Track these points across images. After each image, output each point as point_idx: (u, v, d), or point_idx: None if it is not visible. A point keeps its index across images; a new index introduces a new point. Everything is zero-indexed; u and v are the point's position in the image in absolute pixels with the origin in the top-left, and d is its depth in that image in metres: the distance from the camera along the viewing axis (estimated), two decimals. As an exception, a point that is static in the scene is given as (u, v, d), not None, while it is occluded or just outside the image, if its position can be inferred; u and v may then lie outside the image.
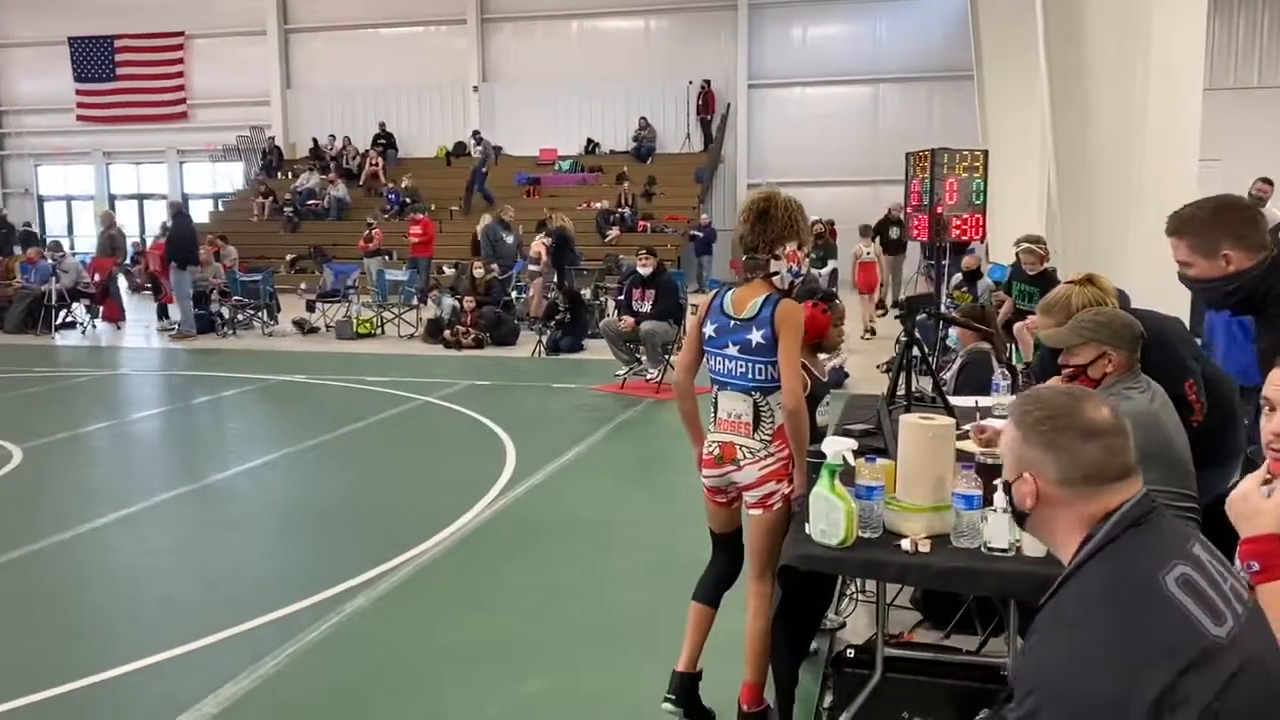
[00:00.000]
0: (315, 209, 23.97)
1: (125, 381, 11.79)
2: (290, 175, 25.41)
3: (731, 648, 3.47)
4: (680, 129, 24.63)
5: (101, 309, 16.08)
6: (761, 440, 3.31)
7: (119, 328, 15.89)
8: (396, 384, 10.53)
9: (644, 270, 10.53)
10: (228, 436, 9.02)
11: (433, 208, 21.75)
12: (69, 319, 15.77)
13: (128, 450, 8.39)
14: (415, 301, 15.66)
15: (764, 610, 3.29)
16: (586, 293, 14.09)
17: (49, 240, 20.48)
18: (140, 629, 4.53)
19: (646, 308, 10.36)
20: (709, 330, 3.40)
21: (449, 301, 14.29)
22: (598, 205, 22.20)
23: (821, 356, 4.27)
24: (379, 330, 14.82)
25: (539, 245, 14.97)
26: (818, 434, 3.65)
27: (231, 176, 27.21)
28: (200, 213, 23.38)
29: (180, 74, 27.10)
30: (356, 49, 26.18)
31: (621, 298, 11.19)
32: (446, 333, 13.45)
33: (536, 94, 25.07)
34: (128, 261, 21.25)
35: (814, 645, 3.81)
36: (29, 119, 28.53)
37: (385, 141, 25.57)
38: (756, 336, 3.28)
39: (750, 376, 3.31)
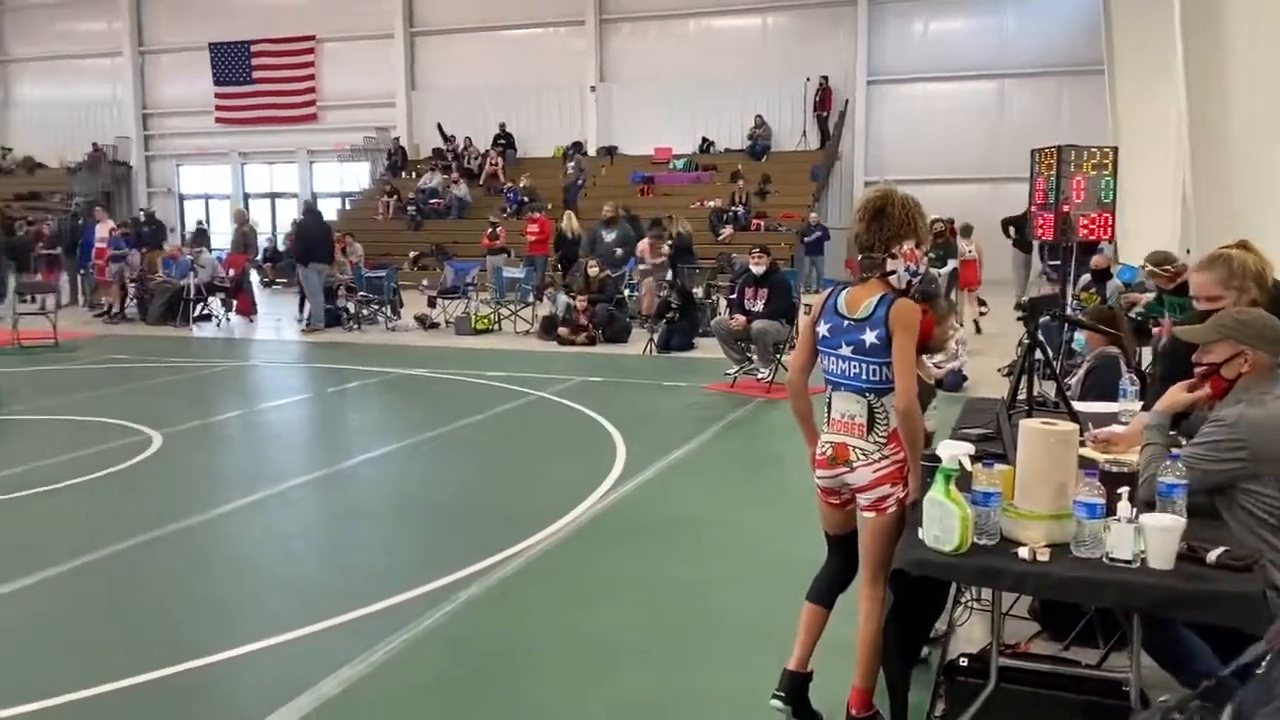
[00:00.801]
0: (437, 208, 24.59)
1: (256, 372, 12.31)
2: (414, 175, 26.13)
3: (842, 652, 3.42)
4: (796, 126, 24.40)
5: (235, 303, 16.81)
6: (875, 442, 3.25)
7: (251, 321, 16.58)
8: (511, 379, 10.72)
9: (757, 269, 10.46)
10: (351, 427, 9.34)
11: (549, 207, 22.06)
12: (205, 312, 16.53)
13: (257, 438, 8.76)
14: (531, 298, 15.91)
15: (875, 614, 3.24)
16: (698, 291, 14.09)
17: (187, 237, 21.55)
18: (265, 610, 4.73)
19: (759, 306, 10.29)
20: (822, 330, 3.36)
21: (563, 299, 14.47)
22: (711, 204, 22.16)
23: (935, 358, 4.19)
24: (496, 326, 15.11)
25: (646, 243, 15.02)
26: (924, 438, 3.57)
27: (358, 176, 28.13)
28: (328, 211, 24.19)
29: (311, 77, 28.14)
30: (478, 51, 26.75)
31: (733, 296, 11.14)
32: (560, 329, 13.63)
33: (652, 93, 25.19)
34: (259, 257, 22.17)
35: (925, 651, 3.73)
36: (172, 121, 30.05)
37: (505, 141, 26.07)
38: (870, 337, 3.22)
39: (864, 377, 3.25)
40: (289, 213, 26.34)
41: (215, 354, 13.32)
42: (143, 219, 23.94)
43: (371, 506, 6.56)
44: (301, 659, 4.12)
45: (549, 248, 18.09)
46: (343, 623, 4.43)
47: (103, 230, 17.97)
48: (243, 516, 6.18)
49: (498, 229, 18.08)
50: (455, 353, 13.04)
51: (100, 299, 17.60)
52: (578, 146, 25.87)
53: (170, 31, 29.25)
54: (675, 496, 6.54)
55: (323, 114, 28.30)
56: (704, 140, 25.04)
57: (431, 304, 15.82)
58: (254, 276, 18.99)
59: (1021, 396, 3.98)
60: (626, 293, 15.03)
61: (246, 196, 29.39)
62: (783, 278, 10.85)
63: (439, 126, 26.62)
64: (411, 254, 22.39)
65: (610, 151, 25.62)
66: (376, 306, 15.86)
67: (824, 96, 23.95)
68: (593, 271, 14.20)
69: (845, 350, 3.27)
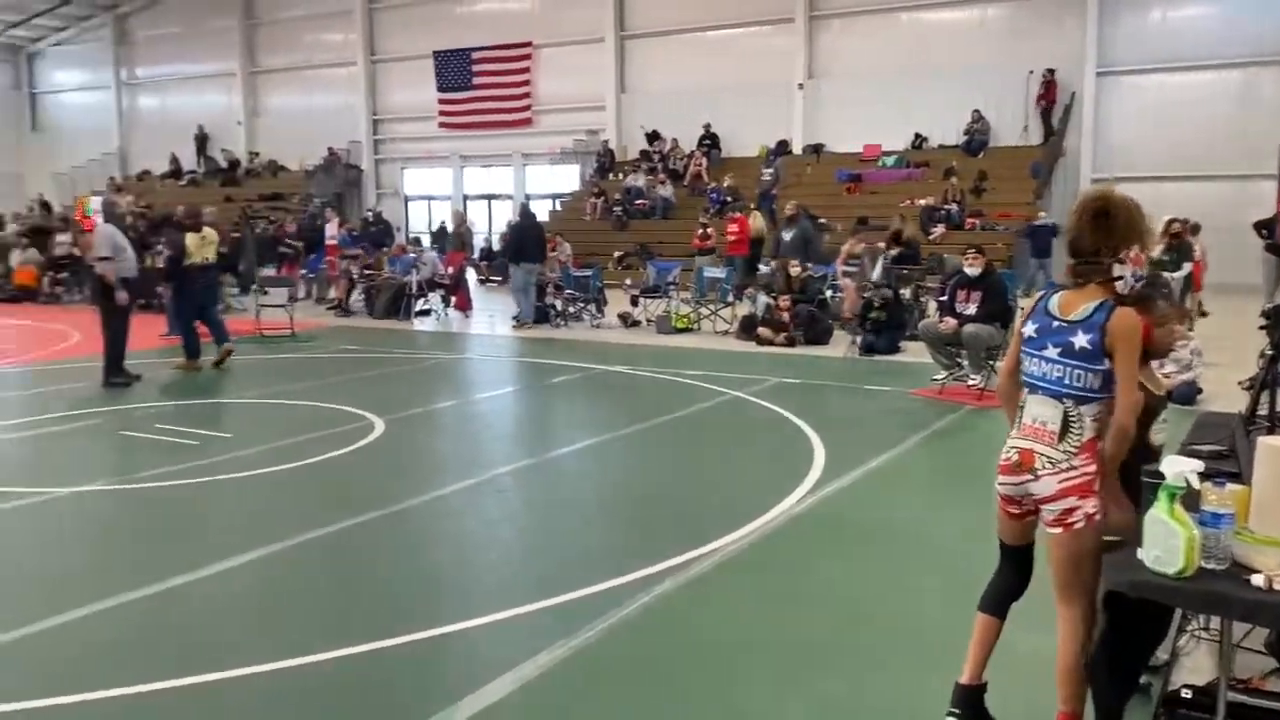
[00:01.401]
0: (642, 208, 25.01)
1: (470, 365, 12.91)
2: (620, 176, 26.68)
3: (1033, 666, 3.25)
4: (1017, 121, 23.28)
5: (453, 299, 17.69)
6: (1065, 451, 3.08)
7: (467, 316, 17.40)
8: (709, 378, 10.77)
9: (972, 270, 10.04)
10: (556, 419, 9.65)
11: (752, 206, 22.00)
12: (426, 307, 17.48)
13: (470, 427, 9.19)
14: (731, 298, 15.94)
15: (1074, 636, 3.08)
16: (906, 293, 13.69)
17: (410, 236, 22.82)
18: (473, 591, 4.96)
19: (971, 309, 9.88)
20: (1029, 330, 3.23)
21: (763, 299, 14.42)
22: (922, 202, 21.47)
23: (1166, 367, 3.92)
24: (696, 326, 15.23)
25: (852, 244, 14.72)
26: (1151, 453, 3.34)
27: (569, 178, 28.99)
28: (540, 212, 25.08)
29: (527, 82, 29.22)
30: (685, 52, 27.00)
31: (944, 298, 10.75)
32: (760, 330, 13.58)
33: (862, 89, 24.65)
34: (476, 256, 23.22)
35: (1144, 679, 3.50)
36: (400, 127, 31.92)
37: (709, 142, 26.21)
38: (1082, 340, 3.06)
39: (1066, 382, 3.09)
40: (504, 213, 27.49)
41: (433, 347, 14.06)
42: (371, 219, 25.53)
43: (574, 496, 6.76)
44: (505, 640, 4.30)
45: (748, 248, 18.08)
46: (544, 607, 4.58)
47: (333, 229, 19.33)
48: (455, 500, 6.50)
49: (708, 229, 18.21)
50: (655, 351, 13.23)
51: (330, 293, 18.93)
52: (782, 145, 25.68)
53: (399, 42, 31.07)
54: (874, 504, 6.40)
55: (537, 118, 29.32)
56: (916, 136, 24.32)
57: (634, 302, 16.11)
58: (470, 274, 19.90)
59: (1263, 411, 3.66)
60: (829, 294, 14.81)
61: (465, 198, 30.85)
62: (998, 279, 10.37)
63: (646, 130, 27.04)
64: (616, 254, 22.87)
65: (816, 149, 25.29)
66: (582, 304, 16.31)
67: (1048, 89, 22.74)
68: (794, 271, 14.07)
69: (1051, 352, 3.13)
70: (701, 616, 4.55)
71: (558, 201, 28.58)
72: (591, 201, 25.83)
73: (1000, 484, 3.27)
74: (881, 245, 14.76)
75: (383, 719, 3.62)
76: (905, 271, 14.21)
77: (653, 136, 26.93)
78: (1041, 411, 3.14)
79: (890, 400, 9.73)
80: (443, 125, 30.49)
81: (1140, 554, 2.64)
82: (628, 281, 17.53)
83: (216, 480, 6.94)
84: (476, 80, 29.67)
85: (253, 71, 33.74)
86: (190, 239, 11.61)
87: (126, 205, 25.65)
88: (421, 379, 11.59)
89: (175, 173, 33.60)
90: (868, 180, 23.51)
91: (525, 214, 16.99)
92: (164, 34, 35.07)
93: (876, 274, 14.10)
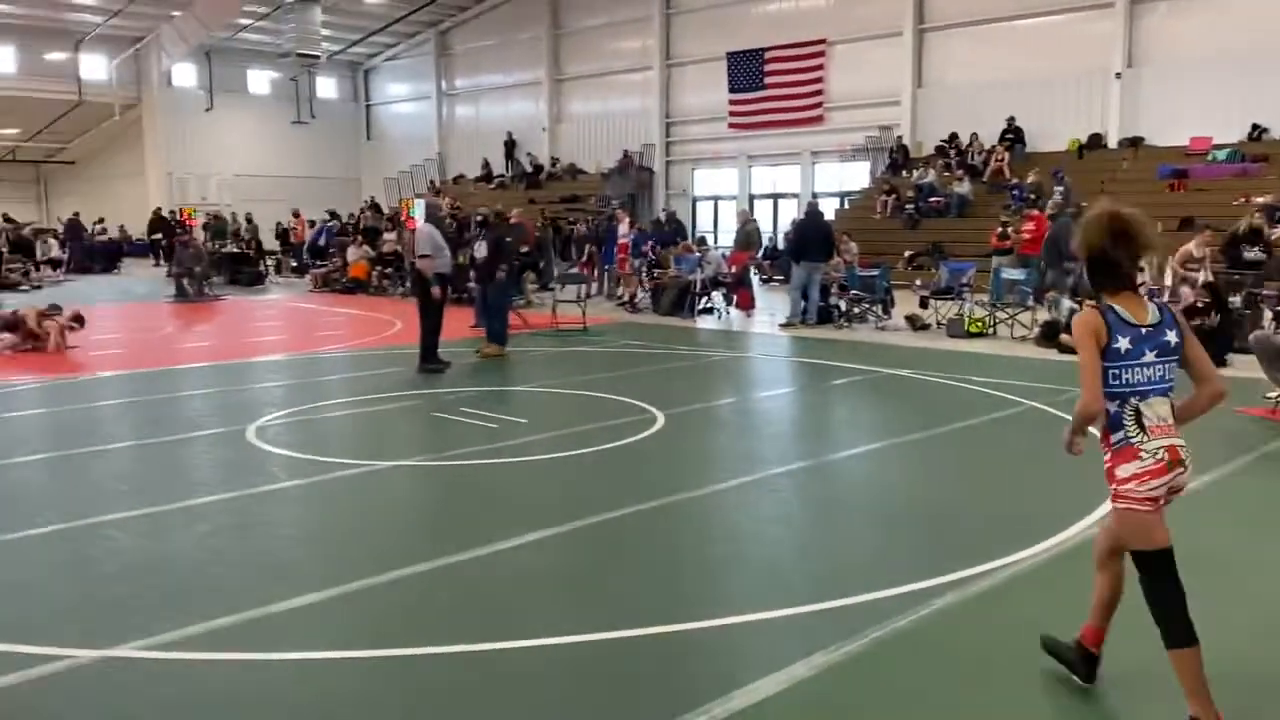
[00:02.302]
0: (936, 206, 24.12)
1: (750, 363, 12.97)
2: (909, 173, 25.87)
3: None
4: (1382, 108, 20.41)
5: (736, 297, 17.86)
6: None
7: (749, 315, 17.51)
8: (1002, 386, 10.21)
9: (1314, 276, 8.91)
10: (835, 422, 9.50)
11: (1083, 205, 20.61)
12: (709, 305, 17.76)
13: (748, 424, 9.24)
14: (1030, 302, 15.02)
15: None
16: (1236, 300, 12.33)
17: (696, 236, 23.28)
18: (747, 587, 4.98)
19: (1313, 320, 8.77)
20: (1123, 344, 3.42)
21: (1067, 303, 13.48)
22: (1260, 199, 19.25)
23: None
24: (990, 330, 14.49)
25: (1190, 247, 13.42)
26: None
27: (858, 175, 28.46)
28: (827, 211, 24.79)
29: (820, 80, 28.95)
30: (989, 44, 25.75)
31: (1281, 307, 9.60)
32: (1063, 336, 12.70)
33: (1190, 76, 22.46)
34: (760, 255, 23.33)
35: None
36: (690, 128, 32.62)
37: (1013, 136, 24.84)
38: (1173, 338, 3.43)
39: (1169, 378, 3.45)
40: (790, 212, 27.40)
41: (714, 344, 14.26)
42: (663, 219, 26.26)
43: (851, 501, 6.63)
44: (777, 638, 4.29)
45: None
46: (818, 610, 4.52)
47: (624, 229, 20.05)
48: (732, 496, 6.56)
49: (1008, 228, 17.30)
50: (944, 355, 12.71)
51: (620, 290, 19.66)
52: (1096, 139, 23.92)
53: (693, 44, 31.74)
54: (1187, 530, 5.76)
55: (828, 115, 28.99)
56: (1254, 127, 21.85)
57: (924, 304, 15.57)
58: (753, 273, 20.01)
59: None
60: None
61: (751, 197, 31.05)
62: (1348, 287, 9.13)
63: (943, 138, 26.09)
64: (906, 253, 22.21)
65: (1134, 143, 23.34)
66: (868, 305, 15.95)
67: None
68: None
69: (1150, 357, 3.43)
70: (982, 636, 4.32)
71: (846, 200, 28.14)
72: (882, 199, 25.23)
73: (1152, 488, 3.46)
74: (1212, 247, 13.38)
75: (654, 704, 3.71)
76: (1237, 277, 12.80)
77: (952, 138, 25.84)
78: (1162, 410, 3.46)
79: (1212, 418, 8.73)
80: (732, 126, 30.83)
81: None
82: (917, 282, 16.98)
83: (512, 462, 7.40)
84: (768, 80, 29.75)
85: (557, 79, 35.65)
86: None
87: (445, 207, 27.96)
88: (701, 375, 11.78)
89: (486, 176, 36.16)
90: (1194, 176, 21.41)
91: (811, 212, 16.84)
92: (479, 46, 37.82)
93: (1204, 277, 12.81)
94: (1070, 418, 3.61)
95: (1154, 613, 3.48)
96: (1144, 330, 3.39)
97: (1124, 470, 3.48)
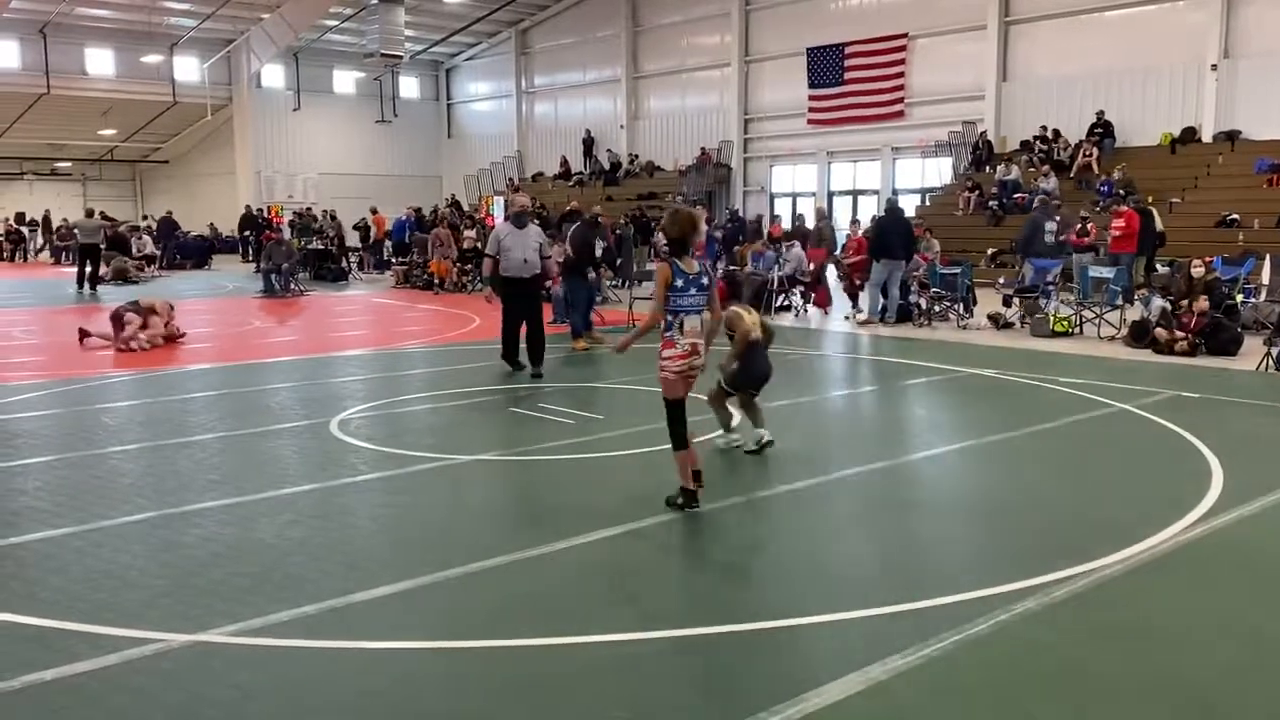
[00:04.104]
0: (1021, 202, 23.58)
1: (827, 362, 12.84)
2: (992, 170, 25.32)
3: None
4: None
5: (813, 295, 17.68)
6: None
7: (826, 313, 17.33)
8: (1089, 387, 9.94)
9: None
10: (914, 422, 9.35)
11: (1149, 200, 20.02)
12: (786, 303, 17.61)
13: (825, 423, 9.16)
14: (1119, 301, 14.60)
15: None
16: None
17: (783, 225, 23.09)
18: (824, 587, 4.94)
19: None
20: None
21: (1158, 302, 13.07)
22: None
23: None
24: (1076, 329, 14.12)
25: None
26: None
27: (940, 171, 27.97)
28: (908, 207, 24.38)
29: (901, 74, 28.51)
30: (1077, 35, 25.09)
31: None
32: (1158, 331, 12.33)
33: (1291, 67, 21.61)
34: (838, 252, 23.04)
35: None
36: (768, 125, 32.39)
37: (1102, 130, 24.16)
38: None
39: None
40: (869, 210, 27.04)
41: (792, 342, 14.13)
42: (729, 217, 26.09)
43: (931, 502, 6.52)
44: (852, 640, 4.24)
45: (1135, 244, 16.45)
46: (894, 612, 4.46)
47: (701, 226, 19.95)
48: (809, 495, 6.51)
49: (1088, 224, 16.84)
50: (1028, 355, 12.43)
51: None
52: (1189, 133, 23.15)
53: (773, 40, 31.51)
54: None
55: (909, 110, 28.55)
56: (1359, 120, 20.95)
57: (1007, 303, 15.24)
58: (831, 271, 19.79)
59: None
60: (1239, 298, 13.13)
61: (830, 194, 30.72)
62: None
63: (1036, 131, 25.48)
64: (989, 250, 21.76)
65: (1230, 137, 22.53)
66: (949, 303, 15.67)
67: None
68: (1197, 273, 12.62)
69: (693, 292, 5.70)
70: (1063, 642, 4.21)
71: (927, 196, 27.68)
72: (964, 195, 24.77)
73: (679, 366, 5.88)
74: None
75: (725, 704, 3.69)
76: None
77: (1045, 134, 25.19)
78: (693, 323, 5.87)
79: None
80: (811, 122, 30.55)
81: None
82: (1000, 280, 16.61)
83: (588, 458, 7.45)
84: (848, 75, 29.40)
85: (635, 77, 35.72)
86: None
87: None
88: (778, 373, 11.64)
89: (564, 174, 36.42)
90: (1293, 170, 20.59)
91: (891, 209, 16.59)
92: (558, 45, 38.09)
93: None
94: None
95: (670, 431, 5.92)
96: (691, 277, 5.78)
97: (666, 353, 5.84)
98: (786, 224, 23.82)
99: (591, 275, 13.27)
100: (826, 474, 6.97)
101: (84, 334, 13.51)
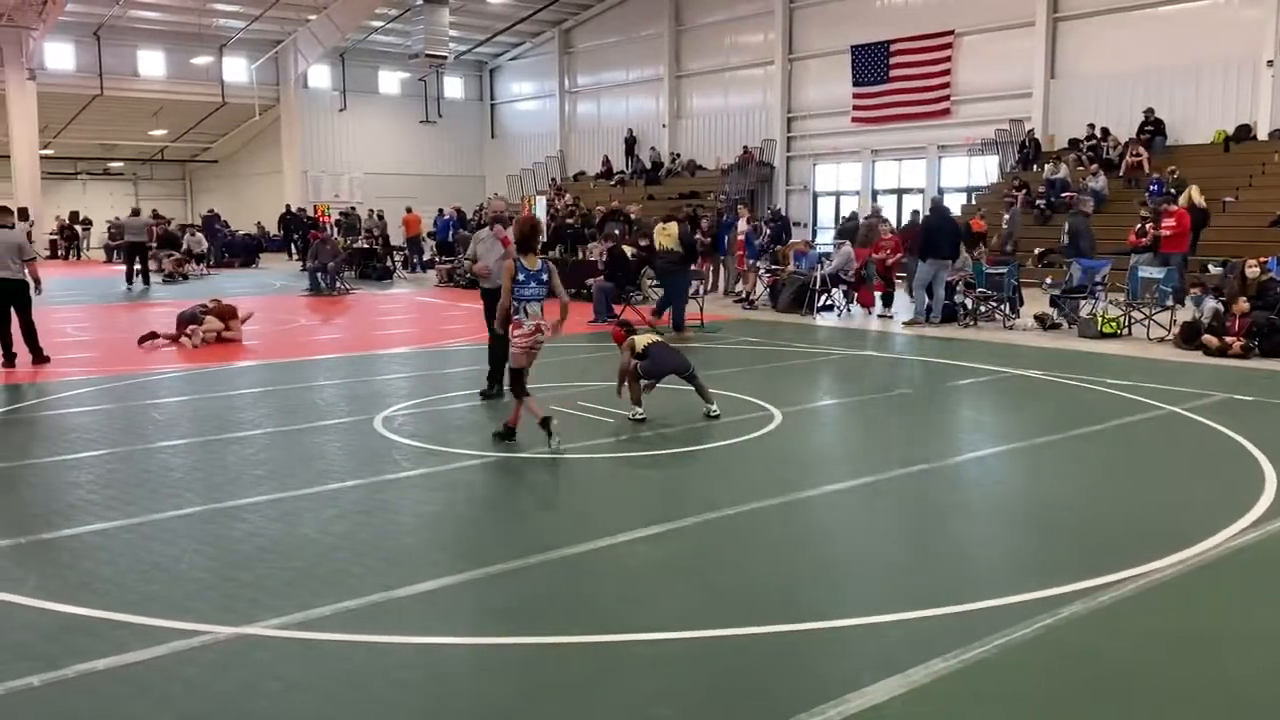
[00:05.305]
0: (1068, 201, 23.23)
1: (869, 362, 12.71)
2: (1040, 168, 24.96)
3: None
4: None
5: (856, 295, 17.55)
6: None
7: (869, 313, 17.19)
8: (1138, 389, 9.78)
9: None
10: (958, 423, 9.25)
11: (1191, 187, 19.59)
12: (828, 302, 17.51)
13: (866, 424, 9.08)
14: (1170, 302, 14.33)
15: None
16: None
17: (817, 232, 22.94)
18: (864, 589, 4.91)
19: None
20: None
21: (1210, 303, 12.82)
22: None
23: None
24: (1125, 330, 13.89)
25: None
26: None
27: (987, 169, 27.63)
28: (953, 206, 24.10)
29: (947, 72, 28.21)
30: (1127, 32, 24.67)
31: None
32: (1205, 337, 12.10)
33: (1350, 63, 21.08)
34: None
35: None
36: (811, 123, 32.20)
37: (1152, 128, 23.73)
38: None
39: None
40: (913, 208, 26.75)
41: (833, 342, 14.06)
42: (770, 215, 25.89)
43: (974, 504, 6.45)
44: (894, 642, 4.20)
45: (1187, 244, 16.13)
46: (938, 615, 4.42)
47: (742, 224, 19.92)
48: (849, 496, 6.46)
49: (1146, 225, 16.54)
50: (1075, 356, 12.25)
51: (738, 286, 19.54)
52: (1244, 130, 22.68)
53: (817, 38, 31.32)
54: None
55: (955, 108, 28.25)
56: None
57: (1054, 303, 15.03)
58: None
59: None
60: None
61: (875, 193, 30.47)
62: None
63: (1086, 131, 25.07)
64: (1037, 250, 21.46)
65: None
66: (995, 304, 15.48)
67: None
68: (1251, 273, 12.36)
69: (533, 284, 7.14)
70: (1110, 648, 4.13)
71: (973, 195, 27.35)
72: (1011, 194, 24.42)
73: (524, 344, 7.37)
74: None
75: (768, 703, 3.68)
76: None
77: (1095, 131, 24.79)
78: (535, 309, 7.42)
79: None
80: (855, 120, 30.32)
81: None
82: (1048, 280, 16.38)
83: (629, 456, 7.47)
84: (894, 73, 29.14)
85: (678, 76, 35.68)
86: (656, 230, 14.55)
87: (563, 205, 28.33)
88: (819, 374, 11.63)
89: (606, 173, 36.47)
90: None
91: (937, 208, 16.42)
92: (601, 44, 38.15)
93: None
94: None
95: (512, 388, 7.51)
96: (532, 272, 7.25)
97: (515, 333, 7.26)
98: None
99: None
100: (871, 475, 6.91)
101: (150, 335, 13.67)
